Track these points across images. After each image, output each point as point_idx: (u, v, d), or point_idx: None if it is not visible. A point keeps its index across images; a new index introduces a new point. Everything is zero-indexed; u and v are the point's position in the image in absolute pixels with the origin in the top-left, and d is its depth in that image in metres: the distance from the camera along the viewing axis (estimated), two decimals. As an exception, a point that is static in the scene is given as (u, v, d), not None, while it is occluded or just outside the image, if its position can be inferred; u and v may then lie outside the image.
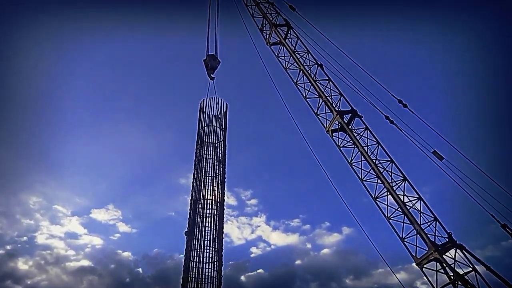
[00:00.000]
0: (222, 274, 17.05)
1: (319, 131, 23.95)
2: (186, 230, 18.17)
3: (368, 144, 21.88)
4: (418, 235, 18.71)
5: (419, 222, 18.85)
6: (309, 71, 24.84)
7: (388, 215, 19.79)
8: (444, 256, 17.86)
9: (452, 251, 18.16)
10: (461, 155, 21.92)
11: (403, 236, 19.06)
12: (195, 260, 17.14)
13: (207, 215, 18.79)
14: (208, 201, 19.38)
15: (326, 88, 24.13)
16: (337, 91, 23.86)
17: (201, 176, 20.45)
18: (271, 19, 27.12)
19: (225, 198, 20.65)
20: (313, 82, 24.43)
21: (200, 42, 29.69)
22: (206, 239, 17.80)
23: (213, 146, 21.89)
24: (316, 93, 24.18)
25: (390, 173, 20.69)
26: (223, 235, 18.50)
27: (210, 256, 17.31)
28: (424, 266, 18.25)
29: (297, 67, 25.23)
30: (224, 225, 19.33)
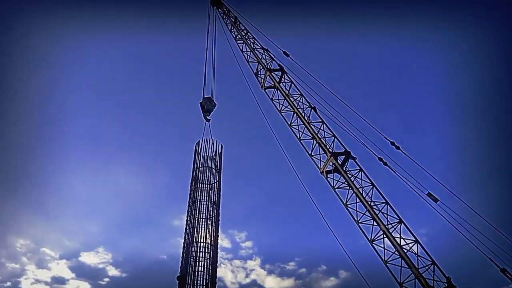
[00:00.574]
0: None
1: (314, 171, 24.07)
2: (178, 275, 17.59)
3: (363, 186, 21.91)
4: (416, 279, 18.26)
5: (417, 266, 18.47)
6: (303, 114, 25.42)
7: (386, 259, 19.41)
8: (444, 302, 17.34)
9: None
10: (456, 196, 21.96)
11: (401, 281, 18.59)
12: (187, 307, 16.46)
13: (200, 258, 18.30)
14: (202, 244, 18.96)
15: (320, 130, 24.57)
16: (330, 133, 24.29)
17: (195, 218, 20.16)
18: (265, 64, 28.16)
19: (219, 240, 20.27)
20: (307, 125, 24.90)
21: (197, 79, 30.63)
22: (198, 284, 17.21)
23: (207, 187, 21.80)
24: (310, 135, 24.56)
25: (385, 215, 20.56)
26: (217, 279, 17.93)
27: (203, 302, 16.67)
28: (425, 313, 17.65)
29: (291, 109, 25.83)
30: (218, 269, 18.80)
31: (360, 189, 21.73)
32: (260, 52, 29.05)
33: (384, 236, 19.94)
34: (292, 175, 25.54)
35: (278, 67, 27.83)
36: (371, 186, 21.77)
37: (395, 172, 22.90)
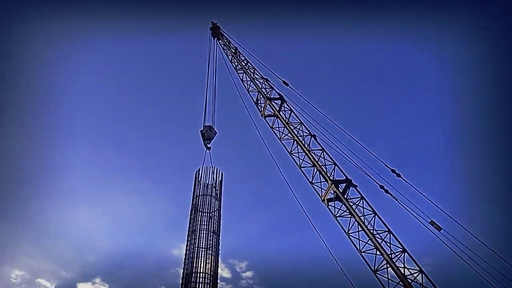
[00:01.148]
0: None
1: (315, 199, 23.88)
2: (177, 307, 17.07)
3: (365, 214, 21.68)
4: (422, 311, 17.71)
5: (423, 298, 17.98)
6: (303, 142, 25.53)
7: (390, 290, 18.91)
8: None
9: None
10: (461, 225, 21.69)
11: (409, 313, 18.03)
12: None
13: (200, 289, 17.83)
14: (201, 274, 18.53)
15: (320, 158, 24.59)
16: (331, 160, 24.30)
17: (195, 248, 19.82)
18: (265, 93, 28.59)
19: (219, 270, 19.83)
20: (307, 152, 24.95)
21: (197, 109, 30.99)
22: (198, 317, 16.67)
23: (207, 216, 21.57)
24: (311, 163, 24.56)
25: (388, 244, 20.22)
26: (216, 312, 17.39)
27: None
28: None
29: (291, 137, 25.97)
30: (218, 301, 18.28)
31: (362, 217, 21.48)
32: (260, 82, 29.58)
33: (388, 266, 19.52)
34: (294, 203, 25.31)
35: (278, 96, 28.23)
36: (373, 214, 21.54)
37: (397, 200, 22.75)
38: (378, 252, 20.08)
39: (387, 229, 20.67)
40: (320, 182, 24.03)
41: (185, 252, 19.97)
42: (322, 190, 23.79)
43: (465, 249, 20.18)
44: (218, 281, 19.21)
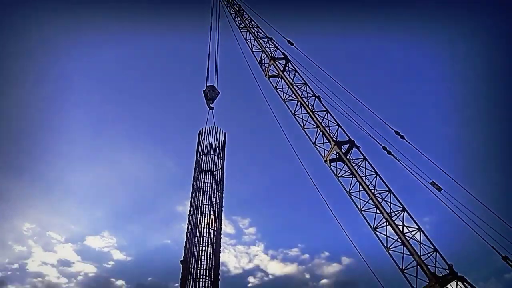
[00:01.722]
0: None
1: (317, 160, 24.09)
2: (182, 259, 17.75)
3: (366, 174, 21.92)
4: (418, 266, 18.33)
5: (419, 253, 18.53)
6: (307, 103, 25.36)
7: (388, 246, 19.49)
8: (446, 288, 17.44)
9: (454, 283, 17.75)
10: (460, 185, 21.94)
11: (403, 267, 18.67)
12: (190, 290, 16.63)
13: (204, 243, 18.45)
14: (205, 229, 19.09)
15: (324, 119, 24.53)
16: (334, 122, 24.25)
17: (198, 204, 20.28)
18: (269, 52, 28.03)
19: (223, 226, 20.41)
20: (310, 113, 24.86)
21: (200, 70, 30.59)
22: (202, 268, 17.36)
23: (211, 174, 21.89)
24: (314, 124, 24.54)
25: (389, 204, 20.59)
26: (220, 264, 18.08)
27: (206, 285, 16.82)
28: (426, 299, 17.76)
29: (295, 98, 25.77)
30: (222, 254, 18.96)
31: (364, 178, 21.74)
32: (264, 41, 28.92)
33: (387, 224, 19.99)
34: (296, 163, 25.56)
35: (282, 56, 27.70)
36: (375, 175, 21.78)
37: (399, 161, 22.90)
38: (378, 211, 20.51)
39: (388, 189, 20.98)
40: (323, 143, 24.11)
41: (189, 208, 20.46)
42: (325, 151, 23.94)
43: (464, 209, 20.54)
44: (222, 236, 19.79)
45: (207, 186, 21.03)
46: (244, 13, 30.76)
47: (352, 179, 22.20)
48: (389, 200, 20.75)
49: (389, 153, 23.34)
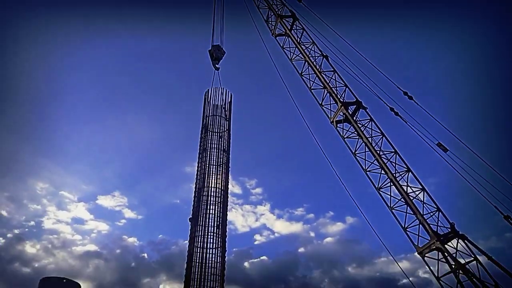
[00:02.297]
0: (225, 259, 17.27)
1: (324, 121, 24.04)
2: (190, 216, 18.39)
3: (373, 135, 21.91)
4: (420, 225, 18.78)
5: (422, 213, 18.92)
6: (314, 63, 24.85)
7: (391, 205, 19.87)
8: (446, 246, 17.94)
9: (454, 241, 18.23)
10: (466, 147, 21.89)
11: (406, 226, 19.14)
12: (199, 246, 17.36)
13: (211, 202, 19.00)
14: (212, 189, 19.57)
15: (331, 80, 24.14)
16: (342, 82, 23.87)
17: (206, 165, 20.64)
18: (276, 10, 27.10)
19: (230, 186, 20.88)
20: (318, 73, 24.45)
21: (206, 33, 29.86)
22: (210, 226, 18.02)
23: (217, 135, 22.06)
24: (321, 84, 24.20)
25: (394, 164, 20.73)
26: (227, 222, 18.73)
27: (214, 242, 17.54)
28: (426, 255, 18.33)
29: (302, 58, 25.23)
30: (229, 213, 19.56)
31: (370, 139, 21.75)
32: (270, -2, 27.86)
33: (391, 184, 20.25)
34: (302, 125, 25.53)
35: (290, 14, 26.78)
36: (381, 136, 21.76)
37: (406, 122, 22.72)
38: (382, 172, 20.71)
39: (393, 150, 21.03)
40: (330, 104, 23.92)
41: (196, 169, 20.85)
42: (332, 112, 23.81)
43: (469, 170, 20.61)
44: (229, 196, 20.30)
45: (214, 147, 21.26)
46: (250, -33, 29.42)
47: (358, 140, 22.23)
48: (394, 161, 20.87)
49: (396, 114, 23.12)
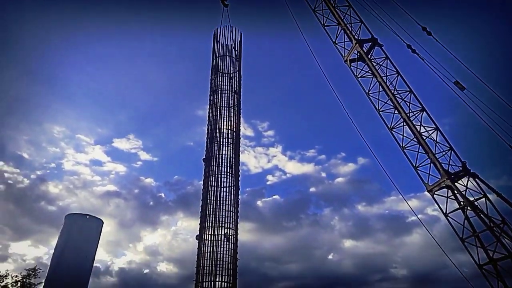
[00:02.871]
0: (239, 197, 17.92)
1: (337, 61, 23.31)
2: (204, 157, 18.78)
3: (387, 74, 21.31)
4: (431, 164, 18.88)
5: (434, 152, 18.92)
6: (328, -3, 23.52)
7: (403, 145, 19.87)
8: (456, 184, 18.16)
9: (465, 180, 18.40)
10: (483, 84, 21.20)
11: (417, 165, 19.28)
12: (213, 185, 17.94)
13: (224, 143, 19.25)
14: (225, 130, 19.71)
15: (346, 15, 22.99)
16: (357, 18, 22.72)
17: (217, 107, 20.59)
18: None
19: (242, 129, 20.98)
20: (332, 9, 23.25)
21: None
22: (223, 166, 18.44)
23: (228, 76, 21.71)
24: (335, 21, 23.13)
25: (408, 104, 20.37)
26: (239, 162, 19.11)
27: (228, 181, 18.07)
28: (435, 193, 18.66)
29: (315, -8, 23.85)
30: (242, 155, 19.89)
31: (384, 78, 21.19)
32: None
33: (404, 124, 20.07)
34: (315, 65, 24.86)
35: None
36: (396, 75, 21.14)
37: (423, 60, 21.90)
38: (396, 111, 20.43)
39: (408, 89, 20.55)
40: (344, 42, 23.06)
41: (208, 111, 20.85)
42: (345, 50, 23.01)
43: (485, 109, 20.15)
44: (242, 138, 20.47)
45: (225, 89, 21.04)
46: None
47: (372, 80, 21.72)
48: (408, 101, 20.48)
49: (413, 51, 22.21)
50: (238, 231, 17.18)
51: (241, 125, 21.43)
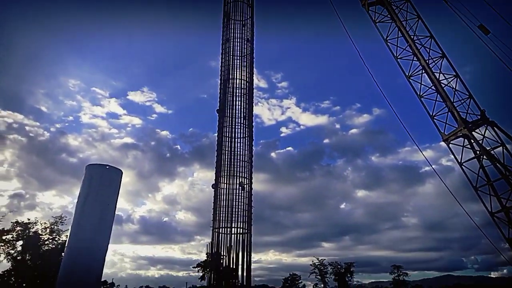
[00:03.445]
0: (253, 148, 18.12)
1: (354, 4, 22.12)
2: (218, 108, 18.74)
3: (407, 18, 20.27)
4: (449, 112, 18.49)
5: (452, 100, 18.44)
6: None
7: (421, 94, 19.38)
8: (473, 133, 17.87)
9: (482, 129, 18.07)
10: (509, 29, 20.00)
11: (434, 114, 18.93)
12: (227, 136, 18.09)
13: (237, 94, 19.08)
14: (237, 80, 19.43)
15: (365, -46, 21.44)
16: (377, -43, 21.20)
17: (229, 56, 20.13)
18: None
19: (256, 81, 20.65)
20: None
21: None
22: (237, 117, 18.44)
23: (240, 23, 20.95)
24: (353, -40, 21.65)
25: (428, 50, 19.56)
26: (253, 112, 19.05)
27: (242, 132, 18.16)
28: (451, 142, 18.47)
29: None
30: (255, 107, 19.74)
31: (404, 22, 20.18)
32: None
33: (423, 71, 19.42)
34: (330, 10, 23.65)
35: None
36: (417, 19, 20.09)
37: (446, 2, 20.59)
38: (415, 58, 19.69)
39: (429, 34, 19.61)
40: (362, -16, 21.71)
41: (220, 60, 20.44)
42: (364, -7, 21.74)
43: (510, 54, 19.18)
44: (255, 90, 20.20)
45: (237, 37, 20.42)
46: None
47: (391, 25, 20.72)
48: (428, 47, 19.64)
49: (437, -8, 20.84)
50: (252, 181, 17.58)
51: (254, 76, 21.06)
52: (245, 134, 18.12)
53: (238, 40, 20.37)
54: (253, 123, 19.17)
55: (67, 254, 11.97)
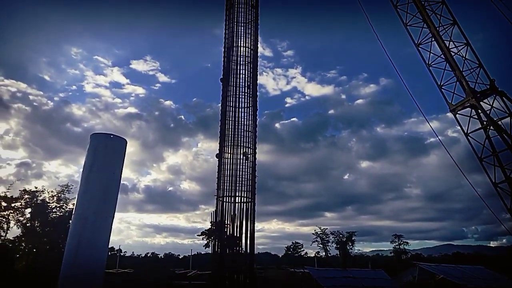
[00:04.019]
0: (257, 118, 17.97)
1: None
2: (221, 77, 18.46)
3: (418, -17, 19.44)
4: (457, 82, 18.13)
5: (461, 69, 18.01)
6: None
7: (429, 62, 18.93)
8: (481, 103, 17.58)
9: (490, 99, 17.76)
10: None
11: (441, 83, 18.57)
12: (231, 105, 17.90)
13: (241, 62, 18.70)
14: (242, 48, 18.99)
15: None
16: None
17: (233, 23, 19.57)
18: None
19: (261, 49, 20.19)
20: None
21: None
22: (241, 86, 18.17)
23: (244, -11, 20.20)
24: None
25: (438, 17, 18.90)
26: (257, 82, 18.73)
27: (246, 101, 17.95)
28: (458, 112, 18.23)
29: None
30: (260, 77, 19.40)
31: (415, -13, 19.39)
32: None
33: (433, 39, 18.87)
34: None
35: None
36: (428, -17, 19.27)
37: (460, -35, 19.64)
38: (425, 26, 19.07)
39: (440, 0, 18.87)
40: None
41: (224, 27, 19.91)
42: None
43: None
44: (260, 59, 19.75)
45: (242, 2, 19.76)
46: None
47: (400, -11, 19.92)
48: (439, 13, 18.97)
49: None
50: (256, 151, 17.56)
51: (259, 44, 20.56)
52: (249, 104, 17.92)
53: (242, 6, 19.74)
54: (258, 93, 18.92)
55: (75, 220, 12.20)
